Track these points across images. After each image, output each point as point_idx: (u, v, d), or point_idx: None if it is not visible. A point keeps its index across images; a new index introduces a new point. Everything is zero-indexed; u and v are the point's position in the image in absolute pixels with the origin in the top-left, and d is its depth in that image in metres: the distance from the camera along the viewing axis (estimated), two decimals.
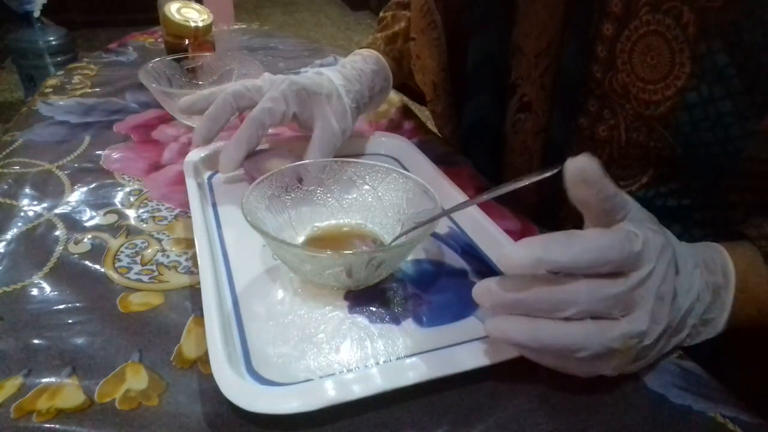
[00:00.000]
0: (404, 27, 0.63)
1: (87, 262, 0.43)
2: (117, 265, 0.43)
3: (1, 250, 0.44)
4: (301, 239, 0.44)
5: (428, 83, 0.54)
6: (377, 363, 0.34)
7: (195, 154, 0.54)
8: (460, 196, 0.50)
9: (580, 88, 0.45)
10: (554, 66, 0.47)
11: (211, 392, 0.32)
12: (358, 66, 0.58)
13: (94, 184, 0.54)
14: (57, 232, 0.47)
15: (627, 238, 0.29)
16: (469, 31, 0.52)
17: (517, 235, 0.47)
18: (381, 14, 0.68)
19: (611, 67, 0.41)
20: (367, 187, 0.46)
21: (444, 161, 0.57)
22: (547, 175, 0.35)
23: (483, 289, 0.30)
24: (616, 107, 0.42)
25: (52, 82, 0.80)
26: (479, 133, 0.58)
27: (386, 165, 0.46)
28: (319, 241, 0.44)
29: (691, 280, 0.33)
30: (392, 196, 0.45)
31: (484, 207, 0.48)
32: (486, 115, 0.55)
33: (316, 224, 0.45)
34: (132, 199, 0.52)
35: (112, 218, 0.49)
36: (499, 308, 0.30)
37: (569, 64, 0.45)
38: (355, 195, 0.46)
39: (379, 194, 0.45)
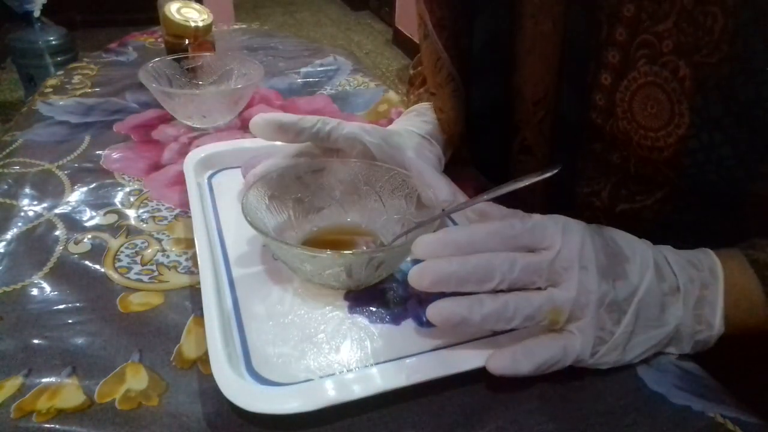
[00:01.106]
0: None
1: (87, 262, 0.43)
2: (117, 265, 0.43)
3: (1, 250, 0.44)
4: (301, 239, 0.44)
5: (455, 135, 0.55)
6: (377, 363, 0.34)
7: (195, 154, 0.54)
8: (459, 197, 0.50)
9: (579, 134, 0.45)
10: (552, 114, 0.47)
11: (211, 392, 0.32)
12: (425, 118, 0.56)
13: (94, 184, 0.54)
14: (57, 232, 0.47)
15: (519, 216, 0.34)
16: (474, 78, 0.52)
17: None
18: (411, 71, 0.66)
19: (611, 114, 0.42)
20: (367, 187, 0.46)
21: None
22: (547, 175, 0.36)
23: (420, 271, 0.32)
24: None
25: (52, 82, 0.80)
26: (485, 171, 0.58)
27: (386, 165, 0.46)
28: (320, 242, 0.44)
29: (643, 261, 0.34)
30: (392, 196, 0.45)
31: None
32: (490, 156, 0.56)
33: (317, 224, 0.45)
34: (132, 199, 0.52)
35: (112, 218, 0.49)
36: (438, 285, 0.32)
37: (568, 112, 0.46)
38: (355, 195, 0.46)
39: (380, 194, 0.45)
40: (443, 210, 0.41)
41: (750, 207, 0.40)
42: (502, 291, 0.33)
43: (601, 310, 0.32)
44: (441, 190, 0.44)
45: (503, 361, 0.32)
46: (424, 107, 0.58)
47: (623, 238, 0.35)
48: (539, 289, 0.33)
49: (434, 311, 0.32)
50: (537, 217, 0.34)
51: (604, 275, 0.33)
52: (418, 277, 0.32)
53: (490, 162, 0.57)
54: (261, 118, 0.45)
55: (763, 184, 0.37)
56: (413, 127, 0.52)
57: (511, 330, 0.35)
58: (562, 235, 0.33)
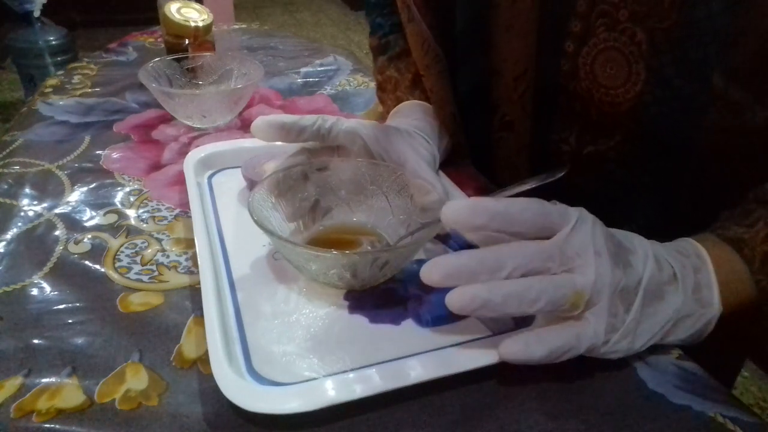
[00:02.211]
0: (417, 71, 0.62)
1: (87, 262, 0.43)
2: (117, 265, 0.43)
3: (1, 250, 0.44)
4: (307, 238, 0.44)
5: (447, 115, 0.56)
6: (377, 363, 0.34)
7: (195, 154, 0.54)
8: (460, 196, 0.50)
9: (554, 95, 0.47)
10: (532, 88, 0.49)
11: (211, 392, 0.32)
12: (417, 116, 0.56)
13: (94, 184, 0.54)
14: (57, 232, 0.47)
15: (543, 201, 0.34)
16: (457, 58, 0.54)
17: None
18: (380, 78, 0.65)
19: (574, 77, 0.45)
20: (374, 187, 0.46)
21: (444, 161, 0.57)
22: (556, 178, 0.37)
23: (430, 265, 0.32)
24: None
25: (52, 82, 0.80)
26: (471, 151, 0.59)
27: (392, 165, 0.46)
28: (325, 241, 0.44)
29: (643, 252, 0.35)
30: (399, 196, 0.45)
31: None
32: (476, 137, 0.57)
33: (323, 224, 0.45)
34: (132, 199, 0.52)
35: (112, 218, 0.49)
36: (450, 278, 0.31)
37: (546, 77, 0.48)
38: (361, 195, 0.46)
39: (386, 194, 0.45)
40: None
41: (699, 157, 0.44)
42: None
43: (614, 296, 0.32)
44: (435, 187, 0.44)
45: (516, 346, 0.32)
46: (408, 107, 0.58)
47: (621, 233, 0.36)
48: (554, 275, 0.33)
49: (454, 296, 0.31)
50: (559, 204, 0.35)
51: (616, 261, 0.33)
52: (429, 271, 0.31)
53: (473, 143, 0.58)
54: (262, 120, 0.45)
55: (705, 135, 0.42)
56: (406, 126, 0.53)
57: (512, 331, 0.35)
58: (575, 221, 0.33)
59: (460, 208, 0.32)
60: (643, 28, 0.39)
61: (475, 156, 0.59)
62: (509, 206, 0.32)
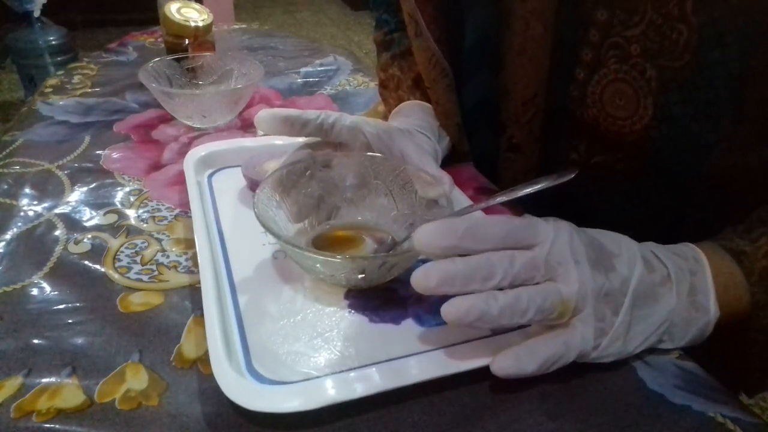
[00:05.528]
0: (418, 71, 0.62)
1: (87, 262, 0.43)
2: (117, 265, 0.43)
3: (1, 250, 0.44)
4: (312, 235, 0.44)
5: (452, 126, 0.56)
6: (377, 363, 0.34)
7: (195, 153, 0.54)
8: (461, 197, 0.50)
9: (563, 115, 0.48)
10: (541, 112, 0.49)
11: (211, 392, 0.32)
12: (417, 115, 0.57)
13: (94, 184, 0.54)
14: (57, 232, 0.47)
15: (515, 218, 0.34)
16: (463, 76, 0.54)
17: None
18: (382, 76, 0.65)
19: (582, 104, 0.45)
20: (377, 182, 0.46)
21: (444, 161, 0.57)
22: (563, 180, 0.37)
23: (425, 272, 0.31)
24: None
25: (52, 82, 0.80)
26: (475, 166, 0.60)
27: (395, 160, 0.46)
28: (331, 237, 0.44)
29: (629, 255, 0.35)
30: (402, 190, 0.45)
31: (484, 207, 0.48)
32: (482, 152, 0.58)
33: (329, 222, 0.45)
34: (132, 199, 0.52)
35: (112, 218, 0.49)
36: (445, 283, 0.31)
37: (556, 104, 0.48)
38: (365, 189, 0.46)
39: (390, 189, 0.45)
40: (455, 210, 0.41)
41: (705, 183, 0.44)
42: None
43: (599, 301, 0.33)
44: (439, 180, 0.44)
45: (507, 361, 0.32)
46: (408, 107, 0.59)
47: (607, 237, 0.36)
48: (538, 284, 0.33)
49: (451, 308, 0.31)
50: (530, 216, 0.35)
51: (596, 267, 0.33)
52: (424, 279, 0.31)
53: (478, 158, 0.59)
54: (265, 112, 0.46)
55: (710, 169, 0.42)
56: (407, 126, 0.53)
57: (512, 330, 0.36)
58: (554, 231, 0.33)
59: (430, 231, 0.32)
60: (654, 65, 0.39)
61: (480, 173, 0.59)
62: (475, 225, 0.32)
